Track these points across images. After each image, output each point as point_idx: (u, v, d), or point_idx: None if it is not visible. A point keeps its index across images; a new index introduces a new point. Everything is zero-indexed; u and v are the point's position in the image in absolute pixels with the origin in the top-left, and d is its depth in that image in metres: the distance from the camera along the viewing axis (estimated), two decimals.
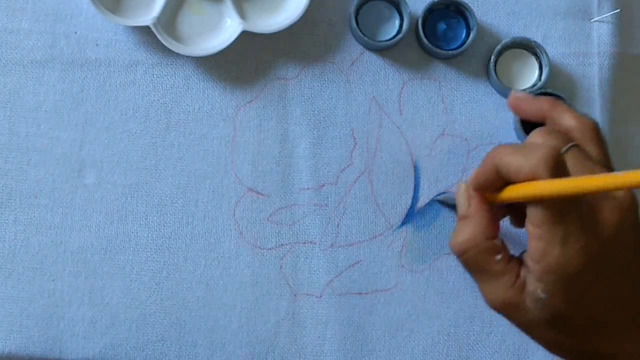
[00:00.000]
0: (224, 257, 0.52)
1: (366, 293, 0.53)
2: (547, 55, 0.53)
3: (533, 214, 0.40)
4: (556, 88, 0.54)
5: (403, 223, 0.53)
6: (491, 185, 0.43)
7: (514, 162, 0.40)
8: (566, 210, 0.39)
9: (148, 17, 0.52)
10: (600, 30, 0.55)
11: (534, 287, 0.41)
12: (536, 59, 0.54)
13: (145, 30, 0.53)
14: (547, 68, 0.53)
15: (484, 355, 0.52)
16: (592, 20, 0.55)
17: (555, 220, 0.39)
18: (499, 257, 0.42)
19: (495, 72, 0.54)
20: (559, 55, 0.55)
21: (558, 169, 0.39)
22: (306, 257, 0.53)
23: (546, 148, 0.39)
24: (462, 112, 0.54)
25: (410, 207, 0.53)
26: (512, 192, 0.41)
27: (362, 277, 0.53)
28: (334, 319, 0.52)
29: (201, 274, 0.52)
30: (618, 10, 0.55)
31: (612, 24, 0.55)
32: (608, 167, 0.45)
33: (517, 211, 0.45)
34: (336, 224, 0.53)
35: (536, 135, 0.44)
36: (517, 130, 0.53)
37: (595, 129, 0.46)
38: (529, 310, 0.42)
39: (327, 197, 0.53)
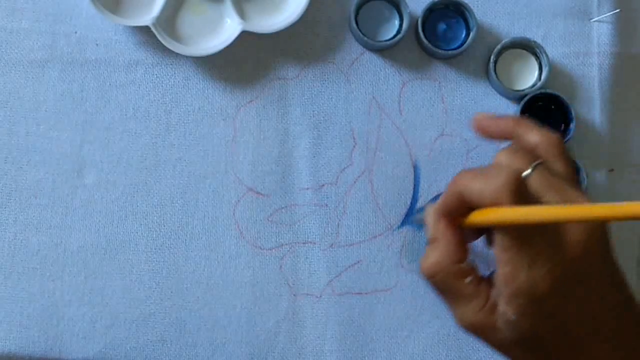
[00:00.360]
0: (224, 257, 0.52)
1: (366, 293, 0.53)
2: (547, 55, 0.53)
3: (499, 239, 0.40)
4: (556, 88, 0.54)
5: (403, 223, 0.53)
6: (456, 211, 0.42)
7: (476, 187, 0.40)
8: (532, 235, 0.39)
9: (148, 17, 0.52)
10: (600, 30, 0.55)
11: (504, 309, 0.41)
12: (536, 59, 0.54)
13: (145, 30, 0.53)
14: (547, 68, 0.53)
15: (484, 355, 0.52)
16: (592, 20, 0.55)
17: (521, 244, 0.39)
18: (468, 279, 0.42)
19: (495, 72, 0.54)
20: (559, 55, 0.55)
21: (520, 194, 0.39)
22: (306, 257, 0.53)
23: (507, 173, 0.40)
24: (462, 112, 0.54)
25: (410, 207, 0.53)
26: (477, 218, 0.41)
27: (362, 277, 0.53)
28: (334, 319, 0.52)
29: (201, 274, 0.52)
30: (618, 10, 0.55)
31: (612, 24, 0.55)
32: (573, 182, 0.45)
33: (490, 232, 0.45)
34: (336, 224, 0.53)
35: (501, 156, 0.45)
36: None
37: (559, 144, 0.46)
38: (500, 331, 0.42)
39: (327, 197, 0.53)
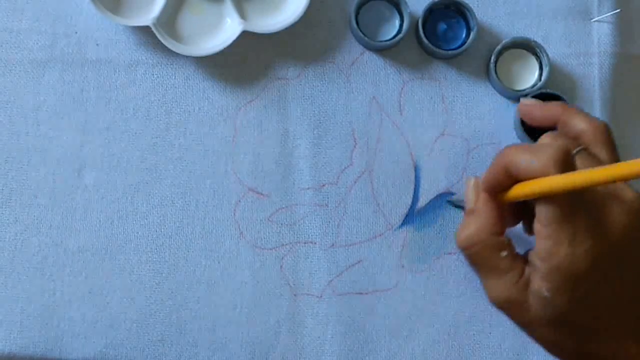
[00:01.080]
0: (224, 257, 0.52)
1: (366, 293, 0.53)
2: (547, 55, 0.53)
3: (542, 213, 0.40)
4: (556, 88, 0.54)
5: (403, 223, 0.53)
6: (500, 185, 0.43)
7: (524, 160, 0.40)
8: (574, 211, 0.39)
9: (148, 17, 0.52)
10: (600, 30, 0.55)
11: (539, 285, 0.41)
12: (536, 59, 0.54)
13: (145, 30, 0.53)
14: (547, 68, 0.53)
15: (484, 356, 0.52)
16: (592, 20, 0.55)
17: (563, 219, 0.39)
18: (504, 253, 0.42)
19: (496, 72, 0.54)
20: (559, 56, 0.55)
21: (567, 168, 0.39)
22: (306, 257, 0.53)
23: (556, 147, 0.40)
24: (462, 112, 0.54)
25: (410, 207, 0.53)
26: (520, 190, 0.41)
27: (362, 277, 0.53)
28: (335, 319, 0.52)
29: (201, 274, 0.52)
30: (618, 10, 0.55)
31: (612, 24, 0.55)
32: None
33: (529, 218, 0.45)
34: (336, 224, 0.53)
35: (545, 139, 0.45)
36: (518, 130, 0.53)
37: (605, 131, 0.46)
38: (532, 308, 0.42)
39: (327, 197, 0.53)
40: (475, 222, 0.43)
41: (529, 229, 0.46)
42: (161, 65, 0.54)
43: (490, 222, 0.43)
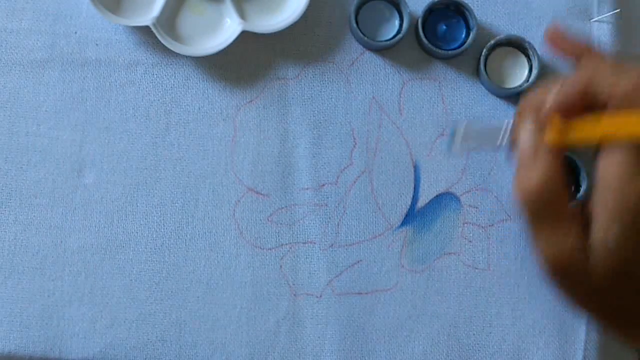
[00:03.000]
0: (224, 257, 0.52)
1: (366, 293, 0.53)
2: (538, 57, 0.53)
3: (615, 149, 0.37)
4: None
5: (403, 223, 0.53)
6: (575, 107, 0.38)
7: (609, 77, 0.37)
8: None
9: (148, 17, 0.52)
10: (600, 30, 0.55)
11: (605, 233, 0.37)
12: (527, 61, 0.54)
13: (145, 30, 0.53)
14: (537, 71, 0.53)
15: (484, 355, 0.52)
16: (592, 20, 0.55)
17: (637, 159, 0.36)
18: (573, 203, 0.39)
19: (485, 68, 0.53)
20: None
21: None
22: (306, 257, 0.53)
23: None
24: (461, 112, 0.54)
25: (410, 207, 0.53)
26: (609, 124, 0.36)
27: (362, 277, 0.53)
28: (334, 319, 0.52)
29: (201, 274, 0.52)
30: (618, 10, 0.55)
31: (612, 24, 0.55)
32: None
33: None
34: (336, 224, 0.53)
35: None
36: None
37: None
38: (592, 267, 0.38)
39: (327, 197, 0.53)
40: (538, 169, 0.38)
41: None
42: (161, 66, 0.54)
43: (557, 169, 0.38)
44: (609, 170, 0.38)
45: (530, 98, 0.42)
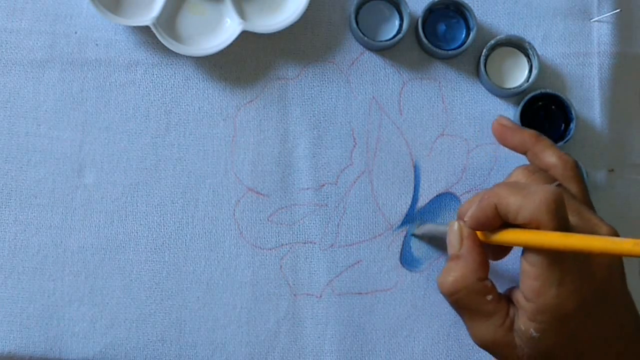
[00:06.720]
0: (224, 257, 0.52)
1: (366, 293, 0.53)
2: (538, 57, 0.53)
3: (530, 255, 0.40)
4: (556, 88, 0.54)
5: (403, 223, 0.53)
6: (488, 224, 0.42)
7: (514, 202, 0.40)
8: (563, 253, 0.39)
9: (148, 17, 0.52)
10: (600, 30, 0.55)
11: (527, 326, 0.41)
12: (527, 61, 0.54)
13: (145, 30, 0.53)
14: (537, 71, 0.53)
15: (483, 355, 0.52)
16: (592, 20, 0.55)
17: (551, 261, 0.39)
18: (489, 297, 0.42)
19: (485, 68, 0.53)
20: (559, 55, 0.55)
21: (559, 213, 0.39)
22: (306, 257, 0.53)
23: (550, 192, 0.39)
24: (461, 112, 0.54)
25: (410, 207, 0.53)
26: (512, 237, 0.41)
27: (362, 277, 0.53)
28: (334, 319, 0.52)
29: (201, 274, 0.52)
30: (618, 10, 0.55)
31: (612, 24, 0.55)
32: (589, 205, 0.46)
33: (498, 246, 0.45)
34: (336, 224, 0.53)
35: (519, 174, 0.45)
36: None
37: (575, 167, 0.47)
38: (518, 348, 0.42)
39: (327, 197, 0.53)
40: (459, 267, 0.43)
41: (494, 256, 0.46)
42: (161, 65, 0.54)
43: (475, 267, 0.43)
44: (527, 271, 0.40)
45: (462, 206, 0.47)
